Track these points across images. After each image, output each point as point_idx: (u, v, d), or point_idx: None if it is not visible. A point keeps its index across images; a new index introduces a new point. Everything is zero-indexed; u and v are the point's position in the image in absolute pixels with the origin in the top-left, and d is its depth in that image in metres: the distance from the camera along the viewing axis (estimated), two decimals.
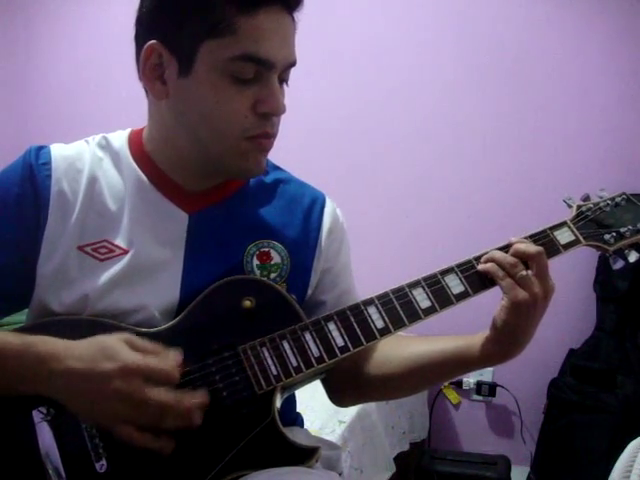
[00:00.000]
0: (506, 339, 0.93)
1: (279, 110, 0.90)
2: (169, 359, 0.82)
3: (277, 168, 1.07)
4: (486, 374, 2.64)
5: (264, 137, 0.91)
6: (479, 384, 2.64)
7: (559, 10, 2.52)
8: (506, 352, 0.94)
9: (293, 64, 0.92)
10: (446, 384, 2.68)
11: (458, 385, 2.67)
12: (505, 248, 0.95)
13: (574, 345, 2.46)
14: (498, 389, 2.62)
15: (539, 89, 2.55)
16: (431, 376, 1.04)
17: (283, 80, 0.92)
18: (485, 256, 0.94)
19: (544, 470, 2.37)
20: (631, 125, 2.46)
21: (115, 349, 0.80)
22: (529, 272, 0.91)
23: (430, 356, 0.99)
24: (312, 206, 1.05)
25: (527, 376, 2.57)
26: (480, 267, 0.94)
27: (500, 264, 0.92)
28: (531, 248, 0.92)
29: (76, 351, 0.81)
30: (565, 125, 2.53)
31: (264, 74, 0.87)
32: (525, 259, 0.92)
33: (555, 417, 2.35)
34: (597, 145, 2.49)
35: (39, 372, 0.80)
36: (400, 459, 2.24)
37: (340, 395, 1.11)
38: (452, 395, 2.68)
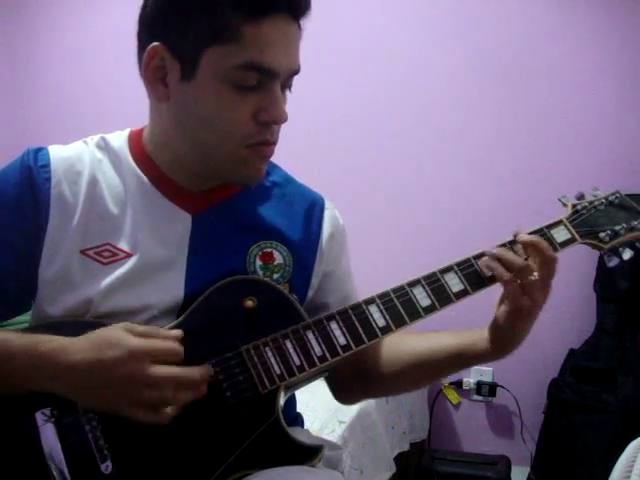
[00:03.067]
0: (504, 339, 0.96)
1: (281, 119, 0.89)
2: (171, 337, 0.85)
3: (277, 168, 1.07)
4: (486, 374, 2.64)
5: (264, 145, 0.91)
6: (479, 384, 2.64)
7: (559, 10, 2.52)
8: (504, 350, 0.98)
9: (297, 72, 0.91)
10: (446, 384, 2.68)
11: (458, 385, 2.68)
12: (510, 243, 0.95)
13: (574, 345, 2.46)
14: (498, 389, 2.62)
15: (539, 90, 2.55)
16: (433, 372, 1.07)
17: (286, 87, 0.92)
18: (492, 252, 0.93)
19: (544, 470, 2.37)
20: (630, 126, 2.46)
21: (117, 337, 0.82)
22: (536, 276, 0.90)
23: (432, 353, 1.02)
24: (312, 208, 1.05)
25: (527, 376, 2.57)
26: (485, 264, 0.93)
27: (509, 266, 0.91)
28: (551, 252, 0.93)
29: (79, 345, 0.82)
30: (565, 125, 2.53)
31: (267, 82, 0.87)
32: (541, 259, 0.92)
33: (555, 417, 2.35)
34: (597, 145, 2.49)
35: (46, 368, 0.81)
36: (400, 459, 2.24)
37: (345, 393, 1.12)
38: (452, 395, 2.68)
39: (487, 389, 2.63)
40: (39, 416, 0.85)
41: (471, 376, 2.66)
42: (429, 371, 1.05)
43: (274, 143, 0.93)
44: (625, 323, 2.37)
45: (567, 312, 2.52)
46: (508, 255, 0.92)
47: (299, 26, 0.90)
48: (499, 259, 0.92)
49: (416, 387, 1.16)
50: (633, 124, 2.46)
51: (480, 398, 2.67)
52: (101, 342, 0.82)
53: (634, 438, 1.10)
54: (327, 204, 1.07)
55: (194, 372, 0.84)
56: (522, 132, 2.57)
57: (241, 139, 0.89)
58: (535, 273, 0.91)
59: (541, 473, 2.38)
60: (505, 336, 0.96)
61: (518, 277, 0.91)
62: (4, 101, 3.19)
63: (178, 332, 0.87)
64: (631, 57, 2.45)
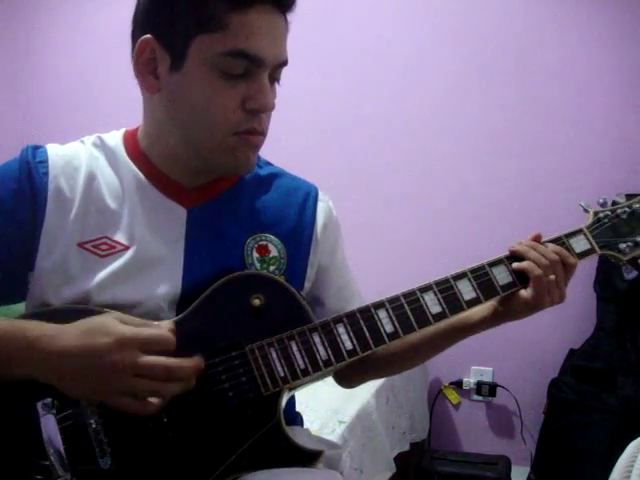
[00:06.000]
0: (505, 319, 1.00)
1: (268, 106, 0.91)
2: (163, 327, 0.85)
3: (269, 164, 1.08)
4: (486, 374, 2.64)
5: (252, 133, 0.92)
6: (479, 384, 2.64)
7: (560, 12, 2.52)
8: (498, 324, 1.02)
9: (284, 63, 0.93)
10: (446, 384, 2.68)
11: (458, 385, 2.67)
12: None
13: (574, 345, 2.46)
14: (498, 389, 2.62)
15: (540, 91, 2.55)
16: (431, 347, 1.08)
17: (275, 79, 0.93)
18: (520, 248, 0.97)
19: (544, 470, 2.37)
20: (632, 126, 2.46)
21: (107, 324, 0.81)
22: (552, 277, 0.94)
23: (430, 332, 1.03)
24: (306, 199, 1.05)
25: (527, 376, 2.57)
26: (515, 265, 0.97)
27: (537, 263, 0.95)
28: (572, 259, 0.97)
29: (68, 332, 0.82)
30: (566, 126, 2.53)
31: (254, 71, 0.88)
32: (564, 264, 0.96)
33: (555, 417, 2.35)
34: (598, 145, 2.49)
35: (31, 354, 0.81)
36: (400, 459, 2.24)
37: (347, 379, 1.13)
38: (452, 395, 2.68)
39: (487, 389, 2.63)
40: (40, 406, 0.85)
41: (471, 376, 2.66)
42: (428, 347, 1.06)
43: (262, 133, 0.94)
44: (625, 323, 2.36)
45: (567, 312, 2.51)
46: (533, 254, 0.96)
47: (285, 19, 0.91)
48: (528, 256, 0.96)
49: (413, 365, 1.17)
50: (635, 124, 2.46)
51: (480, 398, 2.67)
52: (90, 329, 0.81)
53: (634, 438, 1.10)
54: (321, 195, 1.07)
55: (185, 363, 0.82)
56: (524, 133, 2.57)
57: (229, 127, 0.90)
58: (553, 275, 0.95)
59: (541, 473, 2.38)
60: (506, 318, 1.00)
61: (544, 273, 0.94)
62: (4, 100, 3.18)
63: (169, 324, 0.86)
64: (633, 57, 2.45)
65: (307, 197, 1.05)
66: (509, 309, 0.98)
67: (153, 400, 0.81)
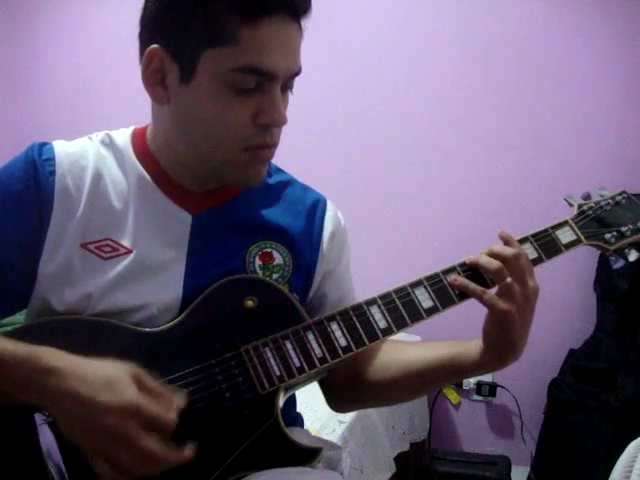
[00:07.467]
0: (499, 347, 0.93)
1: (279, 121, 0.89)
2: (171, 405, 0.79)
3: (280, 170, 1.07)
4: (486, 374, 2.64)
5: (264, 147, 0.90)
6: (479, 384, 2.64)
7: (561, 11, 2.52)
8: (502, 358, 0.94)
9: (297, 73, 0.90)
10: None
11: (458, 385, 2.67)
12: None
13: (574, 345, 2.46)
14: (498, 389, 2.63)
15: (541, 90, 2.55)
16: (429, 382, 1.04)
17: (287, 88, 0.91)
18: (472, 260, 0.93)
19: (544, 470, 2.37)
20: (632, 125, 2.46)
21: (120, 383, 0.77)
22: (508, 280, 0.89)
23: (428, 363, 0.99)
24: (314, 209, 1.04)
25: (527, 376, 2.57)
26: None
27: (485, 270, 0.91)
28: (506, 251, 0.90)
29: (81, 371, 0.78)
30: (567, 125, 2.53)
31: (266, 84, 0.86)
32: (501, 262, 0.90)
33: (555, 417, 2.35)
34: (599, 145, 2.50)
35: (37, 384, 0.77)
36: (400, 459, 2.24)
37: (338, 401, 1.11)
38: (452, 395, 2.68)
39: (487, 389, 2.63)
40: (38, 416, 0.85)
41: None
42: (424, 380, 1.02)
43: (274, 145, 0.92)
44: (625, 323, 2.36)
45: (567, 312, 2.52)
46: (482, 260, 0.91)
47: (299, 26, 0.88)
48: (477, 265, 0.92)
49: (411, 397, 1.11)
50: (635, 124, 2.46)
51: (480, 398, 2.67)
52: (101, 380, 0.77)
53: (634, 438, 1.10)
54: (329, 205, 1.07)
55: (172, 456, 0.77)
56: (525, 133, 2.57)
57: (240, 142, 0.88)
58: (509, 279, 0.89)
59: (541, 473, 2.38)
60: (499, 344, 0.92)
61: (495, 281, 0.90)
62: (4, 100, 3.18)
63: (181, 401, 0.81)
64: (634, 56, 2.45)
65: (315, 207, 1.04)
66: (493, 336, 0.92)
67: (123, 478, 0.77)
